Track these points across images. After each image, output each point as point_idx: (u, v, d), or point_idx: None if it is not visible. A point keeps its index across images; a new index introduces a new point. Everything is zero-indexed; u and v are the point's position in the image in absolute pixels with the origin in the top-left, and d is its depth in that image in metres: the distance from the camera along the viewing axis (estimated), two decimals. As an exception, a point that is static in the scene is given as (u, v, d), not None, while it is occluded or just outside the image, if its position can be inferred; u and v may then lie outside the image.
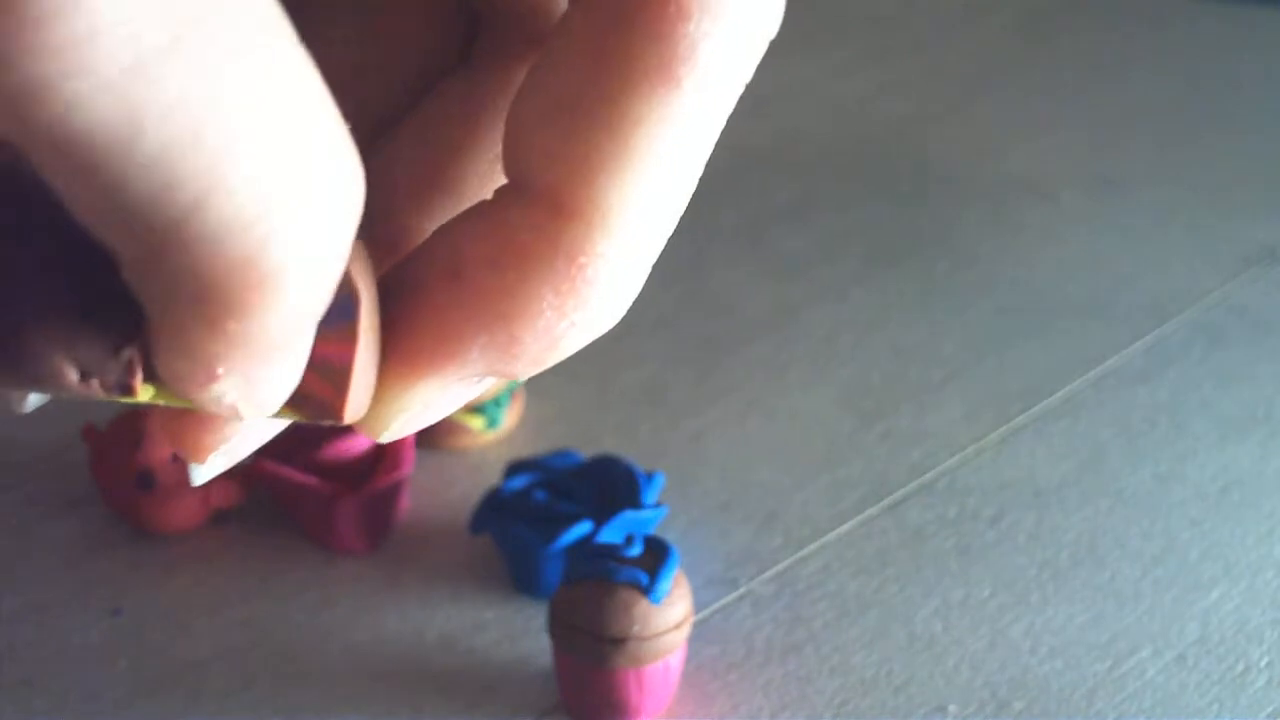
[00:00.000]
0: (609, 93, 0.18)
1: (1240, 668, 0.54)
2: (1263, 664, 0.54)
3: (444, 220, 0.20)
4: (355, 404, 0.19)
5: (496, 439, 0.67)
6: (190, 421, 0.20)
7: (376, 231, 0.21)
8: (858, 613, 0.57)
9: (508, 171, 0.19)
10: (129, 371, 0.18)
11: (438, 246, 0.20)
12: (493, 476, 0.62)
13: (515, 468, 0.60)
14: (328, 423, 0.19)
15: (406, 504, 0.63)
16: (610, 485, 0.59)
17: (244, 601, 0.59)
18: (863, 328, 0.76)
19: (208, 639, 0.57)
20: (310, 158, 0.15)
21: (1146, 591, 0.58)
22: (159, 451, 0.59)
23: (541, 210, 0.18)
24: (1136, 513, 0.62)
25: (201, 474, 0.20)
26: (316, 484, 0.59)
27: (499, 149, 0.20)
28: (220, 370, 0.17)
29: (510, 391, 0.67)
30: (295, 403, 0.19)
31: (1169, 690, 0.53)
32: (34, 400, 0.20)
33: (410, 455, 0.61)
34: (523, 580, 0.58)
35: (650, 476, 0.59)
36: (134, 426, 0.59)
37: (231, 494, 0.61)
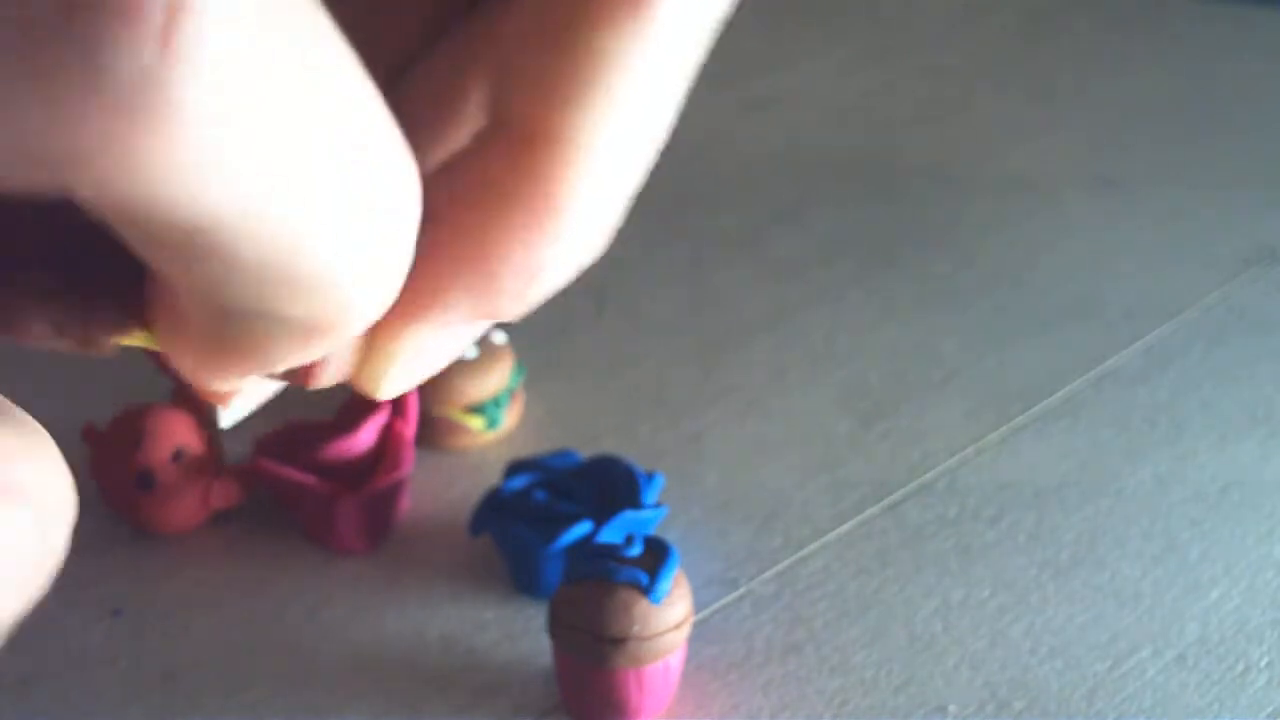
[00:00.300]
0: (579, 20, 0.18)
1: (1240, 668, 0.54)
2: (1263, 664, 0.54)
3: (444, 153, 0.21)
4: (328, 369, 0.19)
5: (496, 439, 0.67)
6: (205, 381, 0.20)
7: None
8: (858, 613, 0.57)
9: (488, 109, 0.19)
10: (102, 330, 0.18)
11: (424, 189, 0.20)
12: (493, 476, 0.62)
13: (515, 468, 0.60)
14: (298, 384, 0.19)
15: (406, 504, 0.63)
16: (610, 485, 0.59)
17: (244, 601, 0.59)
18: (862, 328, 0.76)
19: (208, 639, 0.57)
20: (382, 205, 0.16)
21: (1146, 591, 0.58)
22: (159, 451, 0.59)
23: (513, 142, 0.18)
24: (1136, 513, 0.62)
25: (230, 416, 0.21)
26: (316, 484, 0.59)
27: None
28: (237, 376, 0.17)
29: (510, 391, 0.67)
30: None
31: (1169, 690, 0.53)
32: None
33: (410, 455, 0.61)
34: (523, 580, 0.58)
35: (650, 476, 0.59)
36: (134, 426, 0.59)
37: (231, 494, 0.61)
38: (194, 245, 0.14)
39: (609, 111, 0.18)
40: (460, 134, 0.21)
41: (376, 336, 0.20)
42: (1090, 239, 0.84)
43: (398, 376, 0.20)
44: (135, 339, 0.19)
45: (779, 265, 0.82)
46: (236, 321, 0.16)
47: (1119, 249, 0.83)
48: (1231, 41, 1.09)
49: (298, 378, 0.19)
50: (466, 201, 0.19)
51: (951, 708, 0.53)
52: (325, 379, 0.20)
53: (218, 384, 0.20)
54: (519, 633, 0.57)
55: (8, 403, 0.17)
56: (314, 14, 0.15)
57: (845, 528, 0.62)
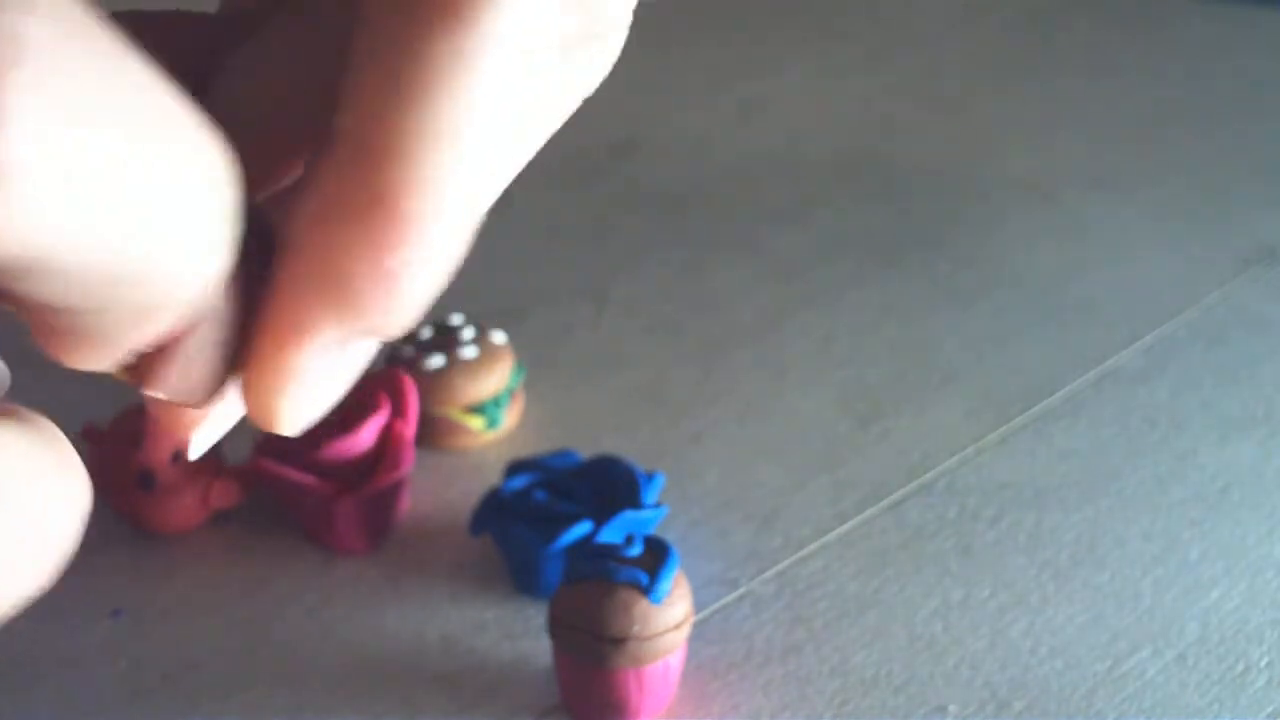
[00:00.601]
0: (405, 30, 0.18)
1: (1240, 668, 0.54)
2: (1263, 664, 0.54)
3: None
4: (174, 383, 0.20)
5: (496, 439, 0.67)
6: (168, 414, 0.21)
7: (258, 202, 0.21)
8: (858, 613, 0.57)
9: (329, 125, 0.19)
10: None
11: (282, 218, 0.20)
12: (493, 476, 0.62)
13: (515, 468, 0.60)
14: (141, 385, 0.20)
15: (406, 504, 0.63)
16: (610, 485, 0.59)
17: (244, 601, 0.59)
18: (862, 328, 0.76)
19: (208, 639, 0.57)
20: (201, 206, 0.17)
21: (1146, 591, 0.58)
22: (159, 451, 0.59)
23: (350, 155, 0.18)
24: (1136, 513, 0.62)
25: (194, 450, 0.21)
26: (316, 484, 0.59)
27: None
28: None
29: (510, 391, 0.67)
30: (130, 367, 0.19)
31: (1169, 690, 0.53)
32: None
33: (410, 455, 0.61)
34: (523, 580, 0.58)
35: (650, 476, 0.59)
36: (134, 426, 0.59)
37: (231, 494, 0.61)
38: (14, 271, 0.15)
39: (439, 119, 0.18)
40: (306, 151, 0.21)
41: (259, 370, 0.20)
42: (1090, 239, 0.84)
43: (291, 408, 0.20)
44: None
45: (779, 265, 0.82)
46: (74, 315, 0.17)
47: (1119, 249, 0.83)
48: (1231, 41, 1.09)
49: (145, 383, 0.20)
50: (316, 219, 0.19)
51: (951, 708, 0.53)
52: (195, 451, 0.20)
53: (168, 414, 0.21)
54: (519, 633, 0.57)
55: (19, 407, 0.18)
56: (125, 60, 0.15)
57: (845, 528, 0.62)
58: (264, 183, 0.22)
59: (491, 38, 0.18)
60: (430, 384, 0.65)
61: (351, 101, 0.19)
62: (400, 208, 0.18)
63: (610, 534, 0.56)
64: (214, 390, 0.20)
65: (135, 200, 0.15)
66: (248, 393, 0.20)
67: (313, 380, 0.20)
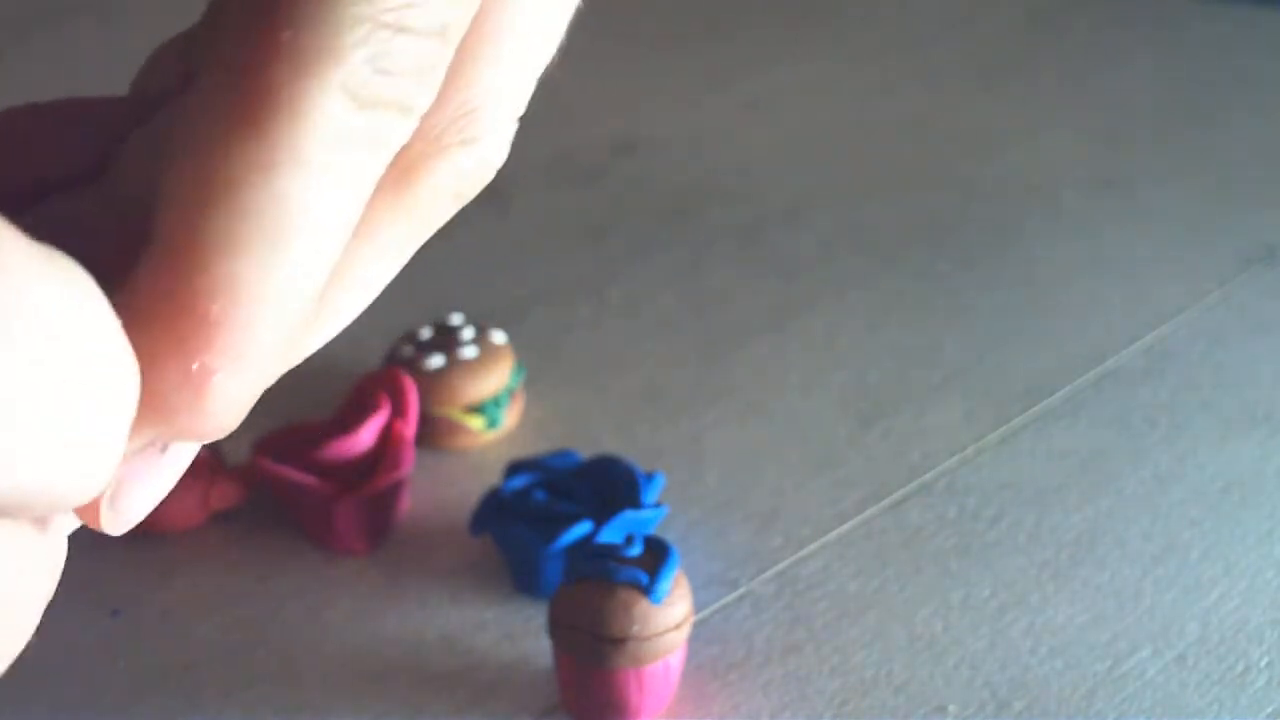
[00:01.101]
0: (197, 137, 0.18)
1: (1240, 668, 0.54)
2: (1263, 664, 0.54)
3: None
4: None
5: (496, 439, 0.67)
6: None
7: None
8: (858, 613, 0.57)
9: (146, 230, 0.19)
10: None
11: None
12: (493, 476, 0.62)
13: (515, 468, 0.60)
14: None
15: (406, 504, 0.63)
16: (610, 485, 0.59)
17: (244, 601, 0.59)
18: (862, 328, 0.76)
19: (208, 639, 0.57)
20: (101, 424, 0.17)
21: (1146, 591, 0.58)
22: (159, 451, 0.59)
23: (158, 257, 0.18)
24: (1136, 513, 0.62)
25: (116, 528, 0.21)
26: (316, 484, 0.59)
27: None
28: None
29: (510, 391, 0.67)
30: None
31: (1169, 690, 0.53)
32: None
33: (410, 455, 0.61)
34: (523, 580, 0.58)
35: (650, 476, 0.59)
36: (134, 426, 0.59)
37: (231, 494, 0.61)
38: None
39: (246, 223, 0.18)
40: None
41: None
42: (1090, 239, 0.84)
43: (122, 511, 0.20)
44: None
45: (779, 265, 0.82)
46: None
47: (1119, 249, 0.83)
48: (1231, 41, 1.09)
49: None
50: (132, 327, 0.18)
51: (951, 708, 0.53)
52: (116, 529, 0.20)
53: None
54: (519, 633, 0.57)
55: None
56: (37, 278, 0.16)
57: (845, 528, 0.62)
58: None
59: (291, 150, 0.18)
60: (430, 384, 0.65)
61: (162, 202, 0.18)
62: (204, 313, 0.18)
63: (610, 534, 0.56)
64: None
65: (45, 436, 0.16)
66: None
67: (133, 483, 0.20)
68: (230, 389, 0.19)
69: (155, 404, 0.18)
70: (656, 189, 0.89)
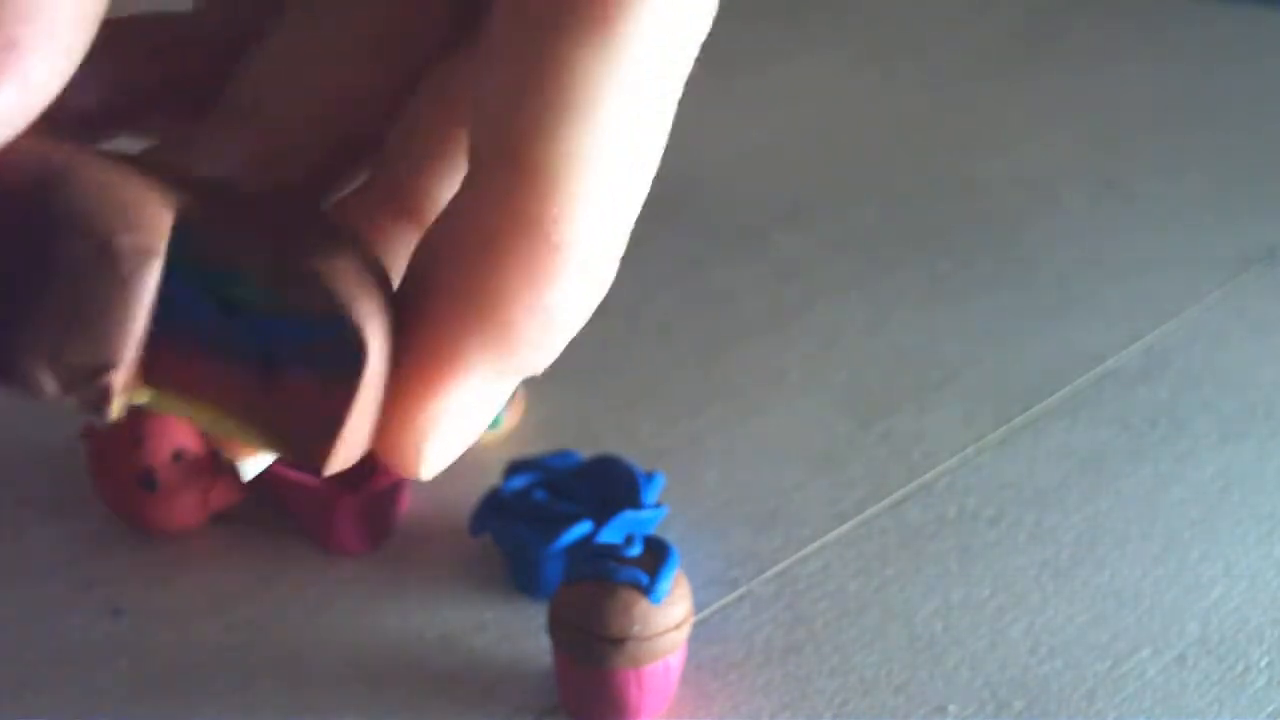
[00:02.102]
0: (545, 45, 0.17)
1: (1240, 668, 0.54)
2: (1263, 664, 0.54)
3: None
4: (342, 457, 0.19)
5: (496, 439, 0.67)
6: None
7: (403, 202, 0.20)
8: (858, 613, 0.57)
9: (471, 152, 0.18)
10: (104, 396, 0.18)
11: (420, 249, 0.19)
12: (493, 476, 0.62)
13: (515, 468, 0.60)
14: (310, 469, 0.19)
15: (406, 504, 0.63)
16: (610, 485, 0.59)
17: (244, 601, 0.59)
18: (862, 328, 0.76)
19: (208, 639, 0.57)
20: None
21: (1146, 591, 0.58)
22: (159, 452, 0.59)
23: (498, 181, 0.17)
24: (1136, 513, 0.62)
25: (251, 469, 0.20)
26: (316, 484, 0.59)
27: None
28: None
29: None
30: (280, 440, 0.18)
31: (1169, 690, 0.53)
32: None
33: (410, 455, 0.60)
34: (523, 580, 0.58)
35: (650, 476, 0.59)
36: (134, 426, 0.59)
37: (231, 494, 0.61)
38: None
39: (589, 137, 0.17)
40: (452, 182, 0.21)
41: (402, 411, 0.19)
42: (1090, 239, 0.84)
43: (435, 451, 0.19)
44: (145, 399, 0.19)
45: (779, 265, 0.82)
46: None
47: (1119, 249, 0.83)
48: (1231, 41, 1.09)
49: (310, 461, 0.19)
50: (467, 252, 0.18)
51: (951, 708, 0.53)
52: (335, 464, 0.19)
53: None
54: (519, 633, 0.57)
55: None
56: None
57: (845, 528, 0.62)
58: (316, 188, 0.21)
59: (639, 40, 0.17)
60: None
61: (492, 126, 0.17)
62: (563, 236, 0.17)
63: (610, 534, 0.56)
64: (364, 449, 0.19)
65: None
66: (387, 438, 0.19)
67: (457, 421, 0.19)
68: (575, 316, 0.18)
69: (499, 336, 0.18)
70: (656, 189, 0.89)
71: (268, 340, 0.18)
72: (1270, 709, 0.53)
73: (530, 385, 0.70)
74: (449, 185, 0.21)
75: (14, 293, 0.17)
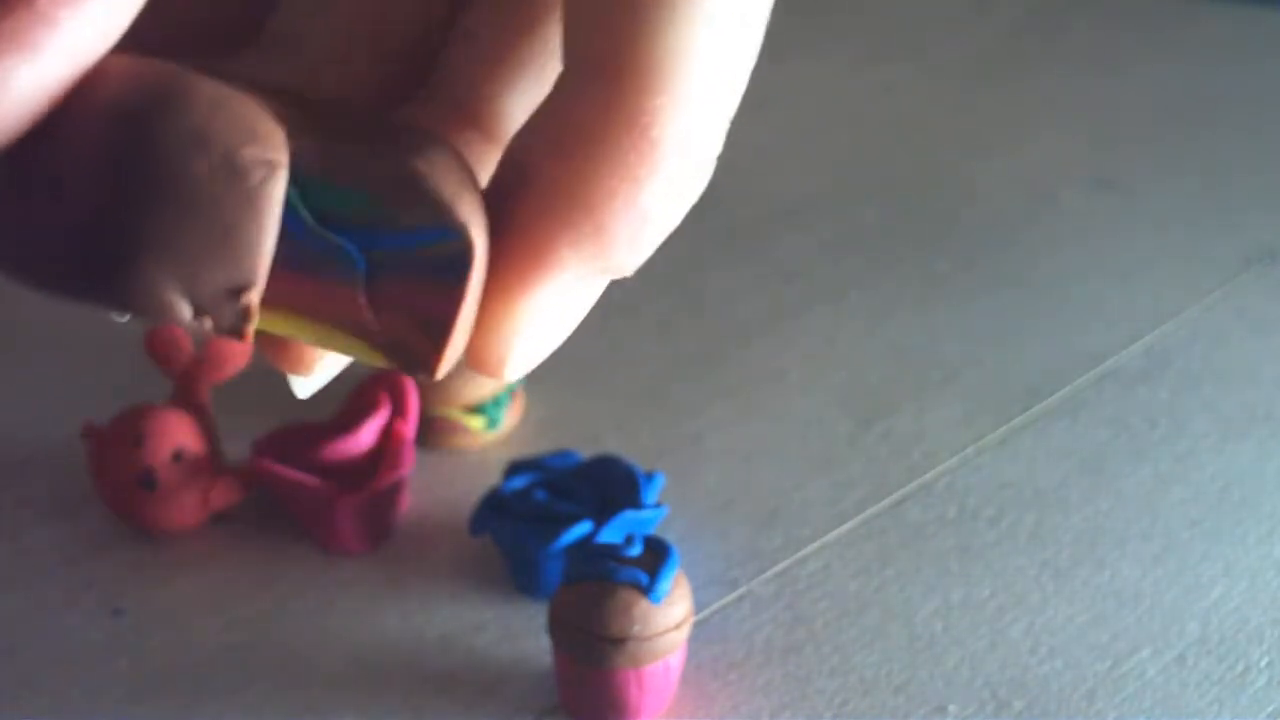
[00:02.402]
0: None
1: (1240, 668, 0.54)
2: (1263, 664, 0.54)
3: (530, 102, 0.20)
4: (450, 359, 0.19)
5: (496, 439, 0.67)
6: (282, 353, 0.20)
7: (469, 111, 0.20)
8: (858, 613, 0.57)
9: (565, 52, 0.18)
10: (244, 317, 0.17)
11: (510, 151, 0.19)
12: (493, 476, 0.62)
13: (515, 468, 0.60)
14: (420, 375, 0.19)
15: (406, 504, 0.63)
16: (610, 485, 0.59)
17: (244, 601, 0.59)
18: (862, 328, 0.76)
19: (208, 639, 0.57)
20: None
21: (1146, 591, 0.58)
22: (159, 451, 0.59)
23: (595, 81, 0.17)
24: (1136, 513, 0.62)
25: (307, 387, 0.20)
26: (316, 484, 0.59)
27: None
28: None
29: (510, 392, 0.67)
30: (389, 350, 0.19)
31: (1169, 690, 0.53)
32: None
33: (410, 455, 0.61)
34: (523, 580, 0.58)
35: (650, 476, 0.59)
36: (134, 426, 0.59)
37: (231, 494, 0.61)
38: None
39: (692, 33, 0.17)
40: (545, 81, 0.20)
41: (492, 310, 0.19)
42: (1090, 239, 0.84)
43: (523, 351, 0.19)
44: (274, 325, 0.19)
45: (779, 265, 0.82)
46: None
47: (1119, 249, 0.83)
48: (1231, 41, 1.09)
49: (420, 367, 0.19)
50: (561, 150, 0.18)
51: (951, 708, 0.53)
52: (445, 367, 0.19)
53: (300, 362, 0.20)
54: (519, 633, 0.57)
55: None
56: None
57: (845, 528, 0.62)
58: (381, 101, 0.21)
59: None
60: (430, 384, 0.65)
61: (589, 24, 0.17)
62: (661, 133, 0.17)
63: (610, 534, 0.56)
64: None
65: None
66: (478, 339, 0.19)
67: (545, 321, 0.19)
68: (667, 214, 0.18)
69: (592, 232, 0.18)
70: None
71: (371, 250, 0.18)
72: (1270, 709, 0.53)
73: (530, 385, 0.70)
74: (514, 92, 0.21)
75: (138, 218, 0.17)
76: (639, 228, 0.18)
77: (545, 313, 0.19)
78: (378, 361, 0.19)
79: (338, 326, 0.19)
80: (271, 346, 0.20)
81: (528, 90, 0.21)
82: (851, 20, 1.15)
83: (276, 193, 0.17)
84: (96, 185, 0.16)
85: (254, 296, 0.17)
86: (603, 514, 0.57)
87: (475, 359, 0.19)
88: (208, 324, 0.17)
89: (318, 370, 0.20)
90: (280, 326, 0.19)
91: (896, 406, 0.70)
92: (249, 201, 0.17)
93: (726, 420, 0.69)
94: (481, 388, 0.66)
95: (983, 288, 0.79)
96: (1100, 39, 1.11)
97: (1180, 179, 0.90)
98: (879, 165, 0.93)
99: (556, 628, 0.51)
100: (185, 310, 0.17)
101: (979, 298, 0.78)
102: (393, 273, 0.18)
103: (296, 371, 0.20)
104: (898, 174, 0.92)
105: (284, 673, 0.55)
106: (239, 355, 0.61)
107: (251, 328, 0.18)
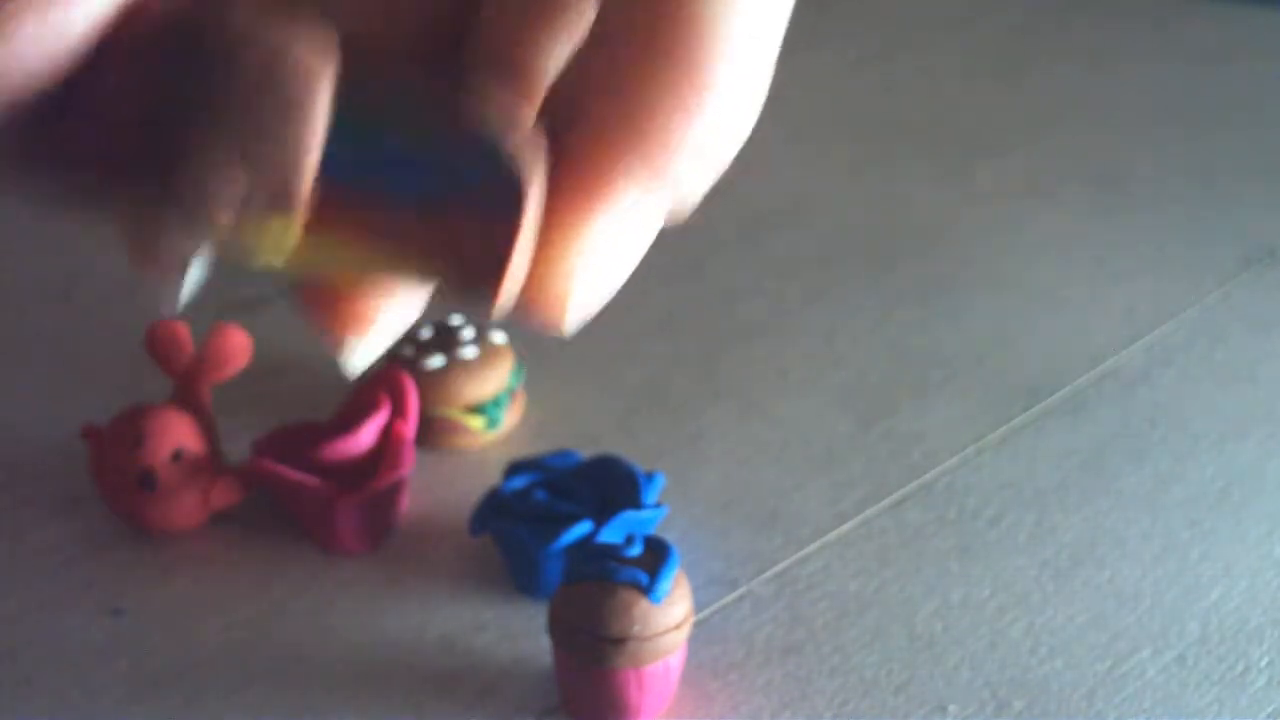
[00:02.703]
0: None
1: (1240, 668, 0.54)
2: (1263, 664, 0.54)
3: (560, 55, 0.20)
4: (509, 292, 0.19)
5: (496, 439, 0.67)
6: (344, 296, 0.20)
7: (504, 65, 0.20)
8: (858, 613, 0.57)
9: None
10: (284, 220, 0.18)
11: (551, 100, 0.19)
12: (493, 476, 0.62)
13: (515, 468, 0.60)
14: (481, 303, 0.19)
15: (406, 504, 0.63)
16: (610, 485, 0.59)
17: (244, 601, 0.59)
18: (862, 328, 0.76)
19: (208, 639, 0.57)
20: None
21: (1146, 591, 0.58)
22: (159, 451, 0.59)
23: (639, 7, 0.18)
24: (1136, 513, 0.62)
25: (361, 354, 0.20)
26: (316, 484, 0.59)
27: None
28: None
29: (510, 391, 0.67)
30: (445, 279, 0.19)
31: (1169, 690, 0.53)
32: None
33: (410, 455, 0.61)
34: (523, 580, 0.58)
35: (650, 476, 0.59)
36: (134, 426, 0.59)
37: (231, 494, 0.61)
38: None
39: None
40: (575, 35, 0.21)
41: (552, 241, 0.19)
42: (1090, 238, 0.84)
43: (583, 287, 0.19)
44: (328, 251, 0.19)
45: (779, 265, 0.82)
46: None
47: (1119, 249, 0.83)
48: (1231, 41, 1.09)
49: (480, 293, 0.19)
50: (614, 76, 0.18)
51: (951, 708, 0.53)
52: (507, 295, 0.19)
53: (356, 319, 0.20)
54: (519, 633, 0.57)
55: None
56: None
57: (845, 528, 0.62)
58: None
59: None
60: (430, 384, 0.65)
61: None
62: (715, 55, 0.17)
63: (610, 534, 0.56)
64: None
65: None
66: (536, 276, 0.19)
67: (604, 254, 0.19)
68: (725, 138, 0.18)
69: (651, 159, 0.18)
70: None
71: (424, 180, 0.18)
72: (1270, 709, 0.53)
73: (530, 385, 0.70)
74: (548, 46, 0.21)
75: (184, 119, 0.17)
76: (693, 154, 0.18)
77: (603, 244, 0.19)
78: (427, 289, 0.19)
79: (390, 255, 0.19)
80: (327, 306, 0.20)
81: (559, 44, 0.21)
82: (851, 20, 1.15)
83: (322, 98, 0.17)
84: (152, 84, 0.17)
85: (295, 200, 0.17)
86: (603, 514, 0.57)
87: (536, 297, 0.19)
88: (248, 237, 0.17)
89: (373, 332, 0.20)
90: (328, 256, 0.19)
91: (896, 406, 0.70)
92: (294, 104, 0.17)
93: (726, 420, 0.69)
94: (482, 388, 0.66)
95: (983, 288, 0.79)
96: (1100, 39, 1.11)
97: (1180, 179, 0.90)
98: (879, 165, 0.93)
99: (556, 628, 0.51)
100: (227, 215, 0.17)
101: (979, 298, 0.78)
102: (449, 204, 0.18)
103: (352, 331, 0.20)
104: (897, 174, 0.92)
105: (284, 673, 0.55)
106: (239, 355, 0.61)
107: (286, 248, 0.18)
